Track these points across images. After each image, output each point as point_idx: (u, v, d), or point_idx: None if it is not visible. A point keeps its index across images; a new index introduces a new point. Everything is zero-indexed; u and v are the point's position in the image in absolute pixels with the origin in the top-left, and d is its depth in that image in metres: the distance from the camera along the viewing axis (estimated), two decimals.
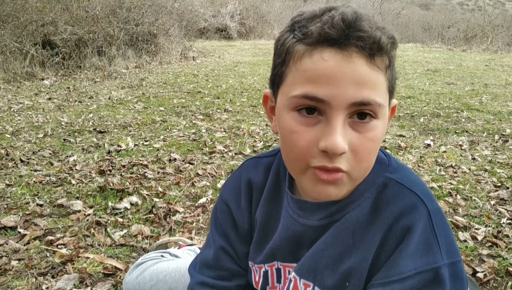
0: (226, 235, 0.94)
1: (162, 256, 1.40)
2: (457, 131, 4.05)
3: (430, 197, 0.75)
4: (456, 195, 2.52)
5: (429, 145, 3.59)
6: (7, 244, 1.92)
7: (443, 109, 4.98)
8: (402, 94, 5.84)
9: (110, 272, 1.73)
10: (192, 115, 4.59)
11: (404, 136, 3.88)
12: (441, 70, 8.49)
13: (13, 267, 1.75)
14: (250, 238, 0.92)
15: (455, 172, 2.94)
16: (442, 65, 9.28)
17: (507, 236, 2.06)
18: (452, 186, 2.67)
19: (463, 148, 3.52)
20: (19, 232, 2.03)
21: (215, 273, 0.94)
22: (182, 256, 1.44)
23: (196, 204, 2.37)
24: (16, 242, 1.94)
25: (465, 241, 2.01)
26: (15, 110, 4.63)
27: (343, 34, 0.64)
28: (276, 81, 0.73)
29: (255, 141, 3.65)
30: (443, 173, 2.92)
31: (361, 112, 0.66)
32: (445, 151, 3.41)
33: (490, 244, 1.99)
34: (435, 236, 0.70)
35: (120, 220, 2.17)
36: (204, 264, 0.96)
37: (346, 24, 0.64)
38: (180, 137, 3.75)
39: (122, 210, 2.28)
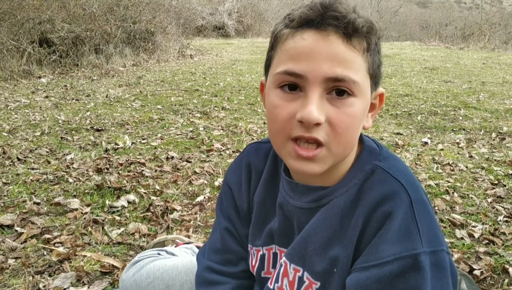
0: (229, 217, 0.98)
1: (159, 254, 1.40)
2: (454, 129, 4.05)
3: (415, 187, 0.76)
4: (453, 193, 2.53)
5: (426, 143, 3.59)
6: (3, 242, 1.91)
7: (440, 107, 4.99)
8: (400, 92, 5.85)
9: (107, 270, 1.72)
10: (190, 113, 4.59)
11: (401, 134, 3.88)
12: (439, 68, 8.50)
13: (10, 265, 1.75)
14: (249, 220, 0.96)
15: (452, 170, 2.94)
16: (440, 63, 9.29)
17: (504, 233, 2.06)
18: (449, 184, 2.68)
19: (460, 146, 3.53)
20: (16, 231, 2.03)
21: (222, 257, 0.98)
22: (179, 254, 1.44)
23: (194, 202, 2.37)
24: (13, 241, 1.93)
25: (462, 238, 2.02)
26: (12, 108, 4.62)
27: (319, 14, 0.70)
28: (267, 65, 0.79)
29: (253, 139, 3.65)
30: (440, 171, 2.93)
31: (339, 90, 0.70)
32: (442, 149, 3.41)
33: (487, 241, 1.99)
34: (416, 224, 0.71)
35: (117, 218, 2.16)
36: (211, 248, 1.00)
37: (323, 6, 0.70)
38: (177, 135, 3.75)
39: (120, 208, 2.28)
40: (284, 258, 0.86)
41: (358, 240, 0.75)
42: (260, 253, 0.93)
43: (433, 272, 0.70)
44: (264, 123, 4.20)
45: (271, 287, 0.88)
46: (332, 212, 0.79)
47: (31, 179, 2.65)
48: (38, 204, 2.31)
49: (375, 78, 0.75)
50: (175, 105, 4.95)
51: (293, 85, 0.71)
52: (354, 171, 0.80)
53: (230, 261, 0.98)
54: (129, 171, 2.82)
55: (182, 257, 1.40)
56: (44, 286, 1.61)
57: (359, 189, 0.77)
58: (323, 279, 0.80)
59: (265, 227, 0.92)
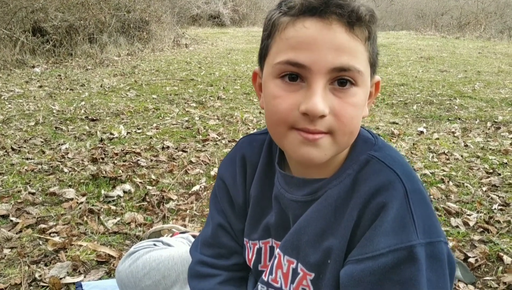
0: (224, 212, 0.97)
1: (154, 244, 1.40)
2: (449, 118, 4.06)
3: (410, 177, 0.75)
4: (448, 181, 2.54)
5: (422, 132, 3.60)
6: None
7: (436, 96, 4.99)
8: (396, 82, 5.85)
9: (104, 260, 1.72)
10: (185, 103, 4.57)
11: (397, 124, 3.88)
12: (434, 57, 8.50)
13: (5, 255, 1.74)
14: (245, 214, 0.94)
15: (448, 159, 2.95)
16: (436, 53, 9.29)
17: (499, 222, 2.08)
18: (444, 172, 2.69)
19: (455, 135, 3.53)
20: (11, 221, 2.02)
21: (214, 251, 0.97)
22: (174, 245, 1.44)
23: (190, 192, 2.37)
24: (8, 231, 1.92)
25: (457, 227, 2.03)
26: (6, 98, 4.58)
27: (323, 2, 0.67)
28: (263, 54, 0.76)
29: (249, 128, 3.64)
30: (435, 160, 2.94)
31: (342, 79, 0.69)
32: (438, 138, 3.42)
33: (481, 229, 2.01)
34: (411, 215, 0.70)
35: (113, 208, 2.16)
36: (204, 242, 0.99)
37: None
38: (173, 124, 3.73)
39: (115, 198, 2.27)
40: (278, 250, 0.86)
41: (353, 232, 0.74)
42: (257, 246, 0.92)
43: (428, 263, 0.69)
44: (260, 112, 4.19)
45: (265, 279, 0.88)
46: (326, 203, 0.78)
47: (25, 169, 2.63)
48: (33, 194, 2.30)
49: (373, 66, 0.74)
50: (170, 95, 4.92)
51: (295, 75, 0.69)
52: (349, 162, 0.79)
53: (222, 255, 0.97)
54: (124, 161, 2.81)
55: (178, 247, 1.40)
56: (40, 276, 1.60)
57: (353, 180, 0.76)
58: (317, 270, 0.79)
59: (262, 221, 0.91)
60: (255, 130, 3.56)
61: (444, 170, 2.73)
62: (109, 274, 1.64)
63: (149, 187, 2.41)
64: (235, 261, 0.97)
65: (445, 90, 5.31)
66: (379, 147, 0.79)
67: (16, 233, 1.92)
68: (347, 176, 0.77)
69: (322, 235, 0.78)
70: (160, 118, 3.95)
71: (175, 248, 1.34)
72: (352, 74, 0.68)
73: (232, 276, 0.97)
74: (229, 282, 0.96)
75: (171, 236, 1.64)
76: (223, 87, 5.43)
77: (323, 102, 0.67)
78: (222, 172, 0.98)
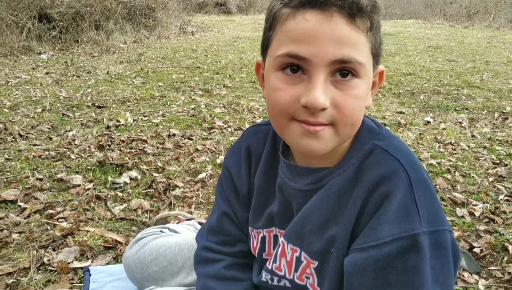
0: (229, 201, 0.98)
1: (161, 231, 1.41)
2: (457, 109, 4.03)
3: (415, 167, 0.75)
4: (454, 172, 2.53)
5: (428, 122, 3.58)
6: (7, 217, 1.93)
7: (443, 86, 4.95)
8: (403, 71, 5.80)
9: (111, 245, 1.74)
10: (191, 91, 4.56)
11: (404, 113, 3.86)
12: (443, 47, 8.41)
13: (14, 240, 1.77)
14: (249, 203, 0.95)
15: (454, 149, 2.94)
16: (444, 42, 9.19)
17: (504, 212, 2.07)
18: (451, 163, 2.68)
19: (462, 125, 3.51)
20: (19, 206, 2.04)
21: (219, 238, 0.99)
22: (181, 231, 1.46)
23: (196, 179, 2.38)
24: (17, 216, 1.95)
25: (462, 217, 2.03)
26: (13, 85, 4.59)
27: None
28: (265, 45, 0.76)
29: (255, 117, 3.63)
30: (442, 150, 2.93)
31: (343, 71, 0.69)
32: (444, 128, 3.40)
33: (487, 220, 2.00)
34: (415, 204, 0.70)
35: (120, 194, 2.17)
36: (209, 230, 1.01)
37: None
38: (179, 112, 3.74)
39: (122, 184, 2.29)
40: (282, 239, 0.87)
41: (356, 221, 0.75)
42: (261, 235, 0.93)
43: (432, 252, 0.69)
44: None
45: (269, 267, 0.89)
46: (329, 192, 0.78)
47: (33, 155, 2.65)
48: (40, 180, 2.32)
49: (376, 57, 0.74)
50: (177, 83, 4.91)
51: (296, 67, 0.69)
52: (352, 151, 0.79)
53: (227, 242, 0.99)
54: (131, 148, 2.82)
55: (185, 234, 1.41)
56: (48, 260, 1.62)
57: (357, 169, 0.76)
58: (321, 259, 0.80)
59: (265, 210, 0.91)
60: (261, 119, 3.56)
61: (450, 160, 2.72)
62: (116, 260, 1.66)
63: (155, 174, 2.42)
64: (240, 249, 0.99)
65: (453, 80, 5.27)
66: (383, 137, 0.79)
67: (25, 218, 1.94)
68: (350, 165, 0.77)
69: (326, 223, 0.79)
70: (166, 105, 3.96)
71: (182, 235, 1.36)
72: (353, 66, 0.68)
73: (236, 262, 0.99)
74: (234, 267, 0.98)
75: (177, 223, 1.65)
76: (229, 75, 5.42)
77: (323, 95, 0.67)
78: (228, 161, 0.99)
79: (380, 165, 0.75)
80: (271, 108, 0.73)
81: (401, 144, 0.79)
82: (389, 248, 0.69)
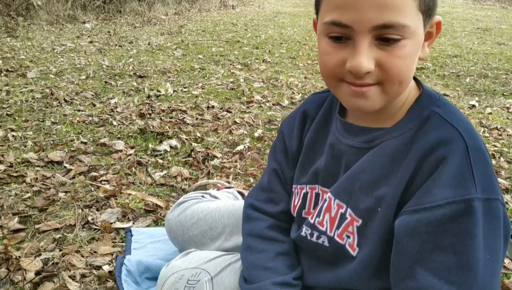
0: (278, 160, 1.03)
1: (202, 196, 1.44)
2: (504, 93, 3.86)
3: (472, 135, 0.74)
4: (499, 157, 2.44)
5: (474, 106, 3.46)
6: (54, 177, 2.01)
7: (491, 70, 4.75)
8: (449, 53, 5.59)
9: (151, 209, 1.79)
10: (231, 64, 4.56)
11: (448, 96, 3.74)
12: (492, 29, 8.03)
13: (60, 198, 1.85)
14: (297, 162, 0.99)
15: (500, 135, 2.83)
16: (494, 24, 8.76)
17: None
18: (496, 148, 2.59)
19: (510, 110, 3.37)
20: (65, 167, 2.12)
21: (267, 195, 1.04)
22: (221, 198, 1.48)
23: (234, 151, 2.40)
24: (63, 176, 2.03)
25: (506, 203, 1.96)
26: (58, 52, 4.72)
27: None
28: (316, 8, 0.79)
29: (293, 93, 3.61)
30: (487, 134, 2.83)
31: (388, 37, 0.68)
32: (490, 113, 3.27)
33: None
34: (471, 170, 0.69)
35: (160, 161, 2.22)
36: (259, 187, 1.07)
37: None
38: (218, 85, 3.75)
39: (162, 152, 2.34)
40: (329, 194, 0.87)
41: (408, 183, 0.74)
42: (304, 191, 0.95)
43: (485, 219, 0.68)
44: (305, 77, 4.14)
45: (312, 221, 0.90)
46: (383, 153, 0.79)
47: (77, 120, 2.74)
48: (85, 143, 2.40)
49: (428, 11, 0.71)
50: (216, 56, 4.92)
51: (341, 37, 0.71)
52: (411, 116, 0.78)
53: (272, 199, 1.03)
54: (171, 118, 2.87)
55: (225, 200, 1.43)
56: (92, 219, 1.69)
57: (414, 134, 0.76)
58: (366, 217, 0.80)
59: (312, 166, 0.93)
60: (300, 95, 3.53)
61: (495, 146, 2.63)
62: (157, 223, 1.71)
63: (194, 144, 2.46)
64: (281, 208, 1.02)
65: (502, 64, 5.04)
66: (442, 104, 0.79)
67: (70, 179, 2.02)
68: (408, 130, 0.77)
69: (376, 183, 0.79)
70: (206, 78, 3.98)
71: (222, 201, 1.38)
72: (397, 31, 0.67)
73: (278, 224, 1.02)
74: (275, 228, 1.01)
75: (217, 190, 1.67)
76: (269, 50, 5.38)
77: (367, 59, 0.68)
78: (283, 126, 1.04)
79: (437, 131, 0.74)
80: (322, 71, 0.77)
81: (460, 113, 0.79)
82: (443, 211, 0.68)
